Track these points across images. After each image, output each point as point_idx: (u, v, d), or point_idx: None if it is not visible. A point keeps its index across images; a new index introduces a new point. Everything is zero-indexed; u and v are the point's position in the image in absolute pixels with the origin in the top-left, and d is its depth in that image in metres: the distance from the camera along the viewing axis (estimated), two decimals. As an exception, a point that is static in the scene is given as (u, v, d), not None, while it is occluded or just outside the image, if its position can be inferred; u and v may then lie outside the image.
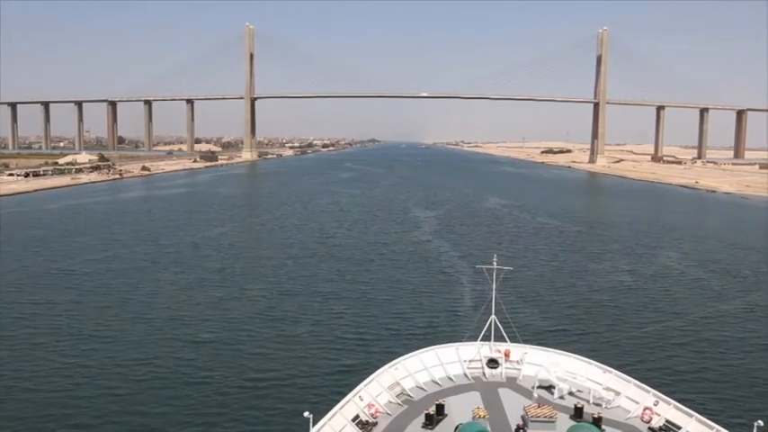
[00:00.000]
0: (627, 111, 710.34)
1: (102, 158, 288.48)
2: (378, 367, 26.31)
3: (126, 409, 36.21)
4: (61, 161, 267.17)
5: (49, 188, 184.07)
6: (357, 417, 23.03)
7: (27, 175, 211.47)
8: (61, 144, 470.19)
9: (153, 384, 39.68)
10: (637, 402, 24.44)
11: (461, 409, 23.48)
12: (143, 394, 38.09)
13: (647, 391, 24.71)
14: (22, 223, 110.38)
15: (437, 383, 26.58)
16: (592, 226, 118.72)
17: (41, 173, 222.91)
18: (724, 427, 22.09)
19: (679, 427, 22.80)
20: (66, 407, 36.47)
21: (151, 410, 36.04)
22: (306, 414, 20.60)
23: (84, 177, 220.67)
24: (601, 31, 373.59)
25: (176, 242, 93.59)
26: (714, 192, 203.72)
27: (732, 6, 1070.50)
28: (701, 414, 23.01)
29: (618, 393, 25.13)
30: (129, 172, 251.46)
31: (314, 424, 21.05)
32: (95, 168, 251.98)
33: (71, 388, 39.04)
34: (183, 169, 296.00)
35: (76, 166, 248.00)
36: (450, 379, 27.05)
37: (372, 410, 23.52)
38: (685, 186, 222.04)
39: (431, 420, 22.83)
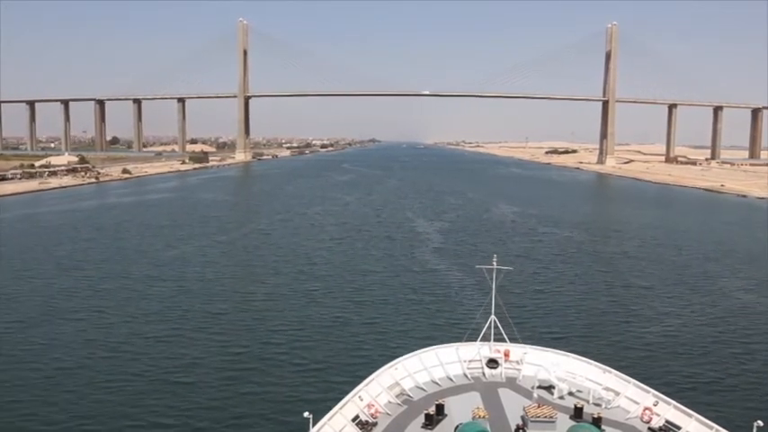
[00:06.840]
0: (630, 110, 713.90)
1: (82, 160, 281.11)
2: (378, 367, 27.60)
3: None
4: (37, 163, 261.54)
5: (9, 194, 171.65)
6: (357, 417, 24.23)
7: None
8: (52, 145, 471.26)
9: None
10: (637, 402, 25.62)
11: (461, 409, 24.65)
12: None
13: (647, 392, 25.89)
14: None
15: (437, 383, 27.82)
16: (641, 245, 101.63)
17: (9, 176, 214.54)
18: (724, 427, 23.16)
19: (679, 428, 23.94)
20: None
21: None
22: (306, 414, 21.79)
23: (54, 182, 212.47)
24: (610, 26, 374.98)
25: (111, 271, 76.24)
26: (745, 196, 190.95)
27: (743, 6, 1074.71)
28: (701, 414, 24.13)
29: (618, 393, 26.32)
30: (108, 175, 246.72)
31: (314, 424, 22.23)
32: (71, 171, 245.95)
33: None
34: (170, 172, 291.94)
35: (50, 169, 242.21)
36: (450, 379, 28.30)
37: (372, 410, 24.72)
38: (710, 190, 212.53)
39: (431, 420, 23.98)
